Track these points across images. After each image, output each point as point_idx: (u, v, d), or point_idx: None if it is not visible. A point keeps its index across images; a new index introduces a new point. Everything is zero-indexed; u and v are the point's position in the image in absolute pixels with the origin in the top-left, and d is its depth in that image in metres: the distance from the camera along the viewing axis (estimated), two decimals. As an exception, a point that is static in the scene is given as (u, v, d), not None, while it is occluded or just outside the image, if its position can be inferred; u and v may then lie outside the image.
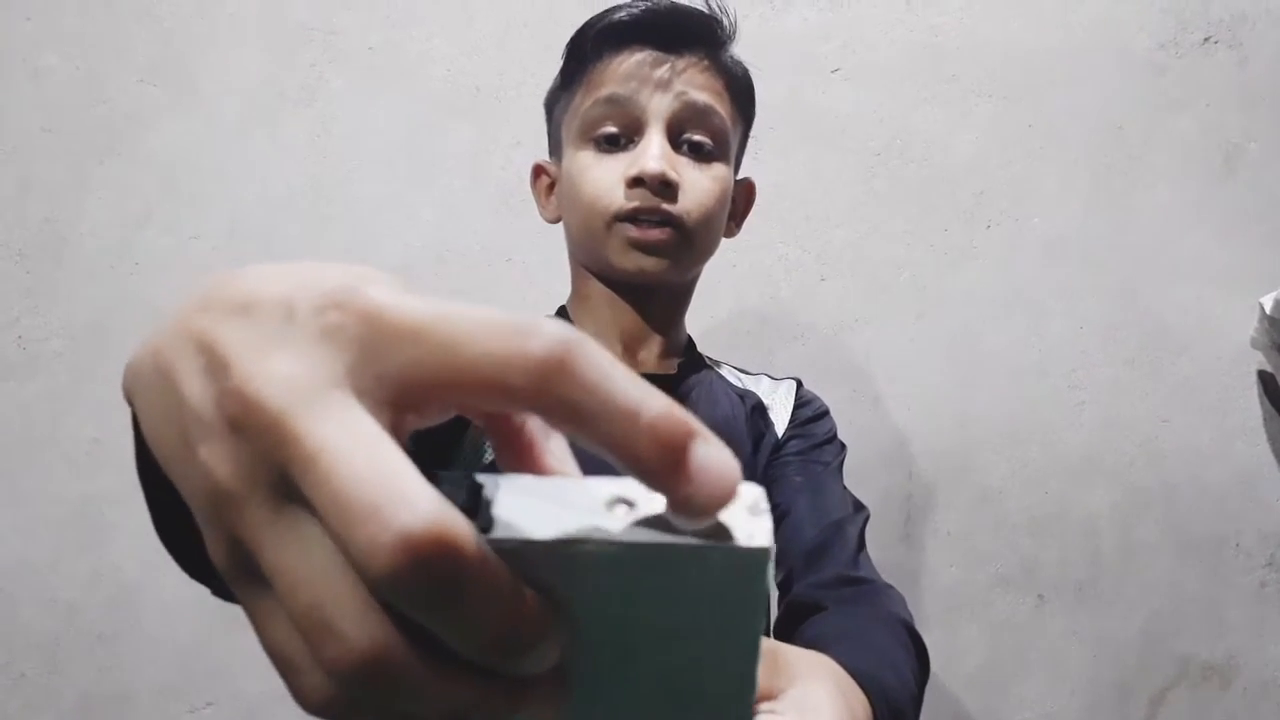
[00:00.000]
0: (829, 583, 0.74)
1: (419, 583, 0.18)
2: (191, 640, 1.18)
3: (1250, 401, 1.30)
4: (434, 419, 0.23)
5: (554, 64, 1.29)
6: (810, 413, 0.90)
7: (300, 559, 0.19)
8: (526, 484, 0.22)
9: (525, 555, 0.20)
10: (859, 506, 0.84)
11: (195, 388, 0.21)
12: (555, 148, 0.90)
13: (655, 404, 0.20)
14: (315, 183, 1.27)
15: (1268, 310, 1.22)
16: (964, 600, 1.25)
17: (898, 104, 1.30)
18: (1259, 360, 1.29)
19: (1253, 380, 1.30)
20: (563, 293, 1.25)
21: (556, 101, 0.89)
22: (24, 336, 1.26)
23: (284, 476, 0.19)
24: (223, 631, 1.18)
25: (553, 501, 0.21)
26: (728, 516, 0.21)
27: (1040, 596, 1.26)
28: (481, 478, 0.22)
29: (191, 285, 0.24)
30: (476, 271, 1.27)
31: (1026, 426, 1.27)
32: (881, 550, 1.14)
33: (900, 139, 1.30)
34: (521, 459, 0.25)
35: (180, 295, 0.24)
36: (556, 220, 0.90)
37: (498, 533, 0.20)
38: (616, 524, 0.21)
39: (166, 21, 1.27)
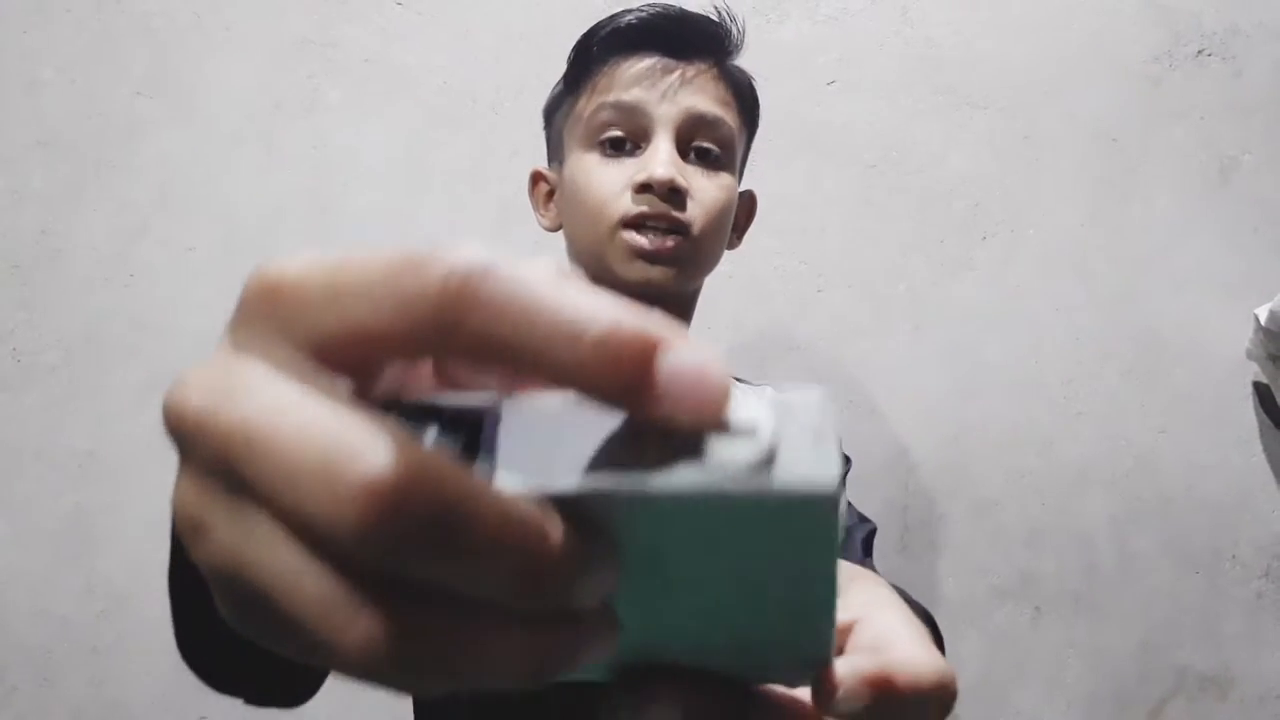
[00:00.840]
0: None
1: (398, 534, 0.15)
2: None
3: (1246, 413, 1.30)
4: (406, 385, 0.20)
5: (551, 75, 1.29)
6: None
7: (282, 558, 0.17)
8: (543, 413, 0.18)
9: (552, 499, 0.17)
10: (863, 519, 0.84)
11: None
12: (555, 154, 0.88)
13: (602, 316, 0.16)
14: (312, 195, 1.27)
15: (1263, 321, 1.22)
16: (961, 611, 1.25)
17: (894, 116, 1.31)
18: (1254, 371, 1.29)
19: (1248, 391, 1.30)
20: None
21: (558, 107, 0.87)
22: (18, 349, 1.26)
23: (234, 480, 0.17)
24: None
25: (572, 433, 0.18)
26: (786, 443, 0.17)
27: (1037, 608, 1.25)
28: (482, 406, 0.19)
29: None
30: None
31: (1023, 437, 1.27)
32: (878, 561, 1.13)
33: (896, 151, 1.30)
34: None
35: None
36: (556, 228, 0.88)
37: (503, 479, 0.17)
38: (646, 462, 0.17)
39: (162, 34, 1.27)
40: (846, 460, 0.88)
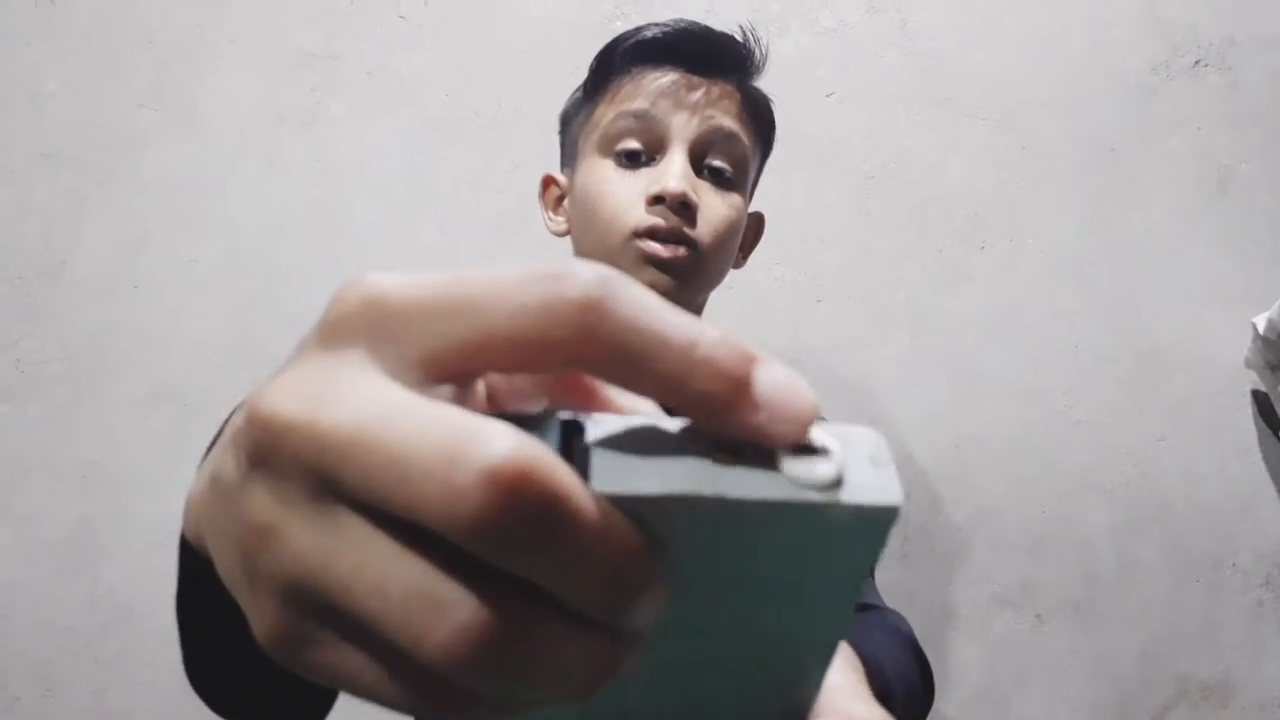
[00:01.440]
0: None
1: (516, 523, 0.16)
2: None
3: (1245, 421, 1.31)
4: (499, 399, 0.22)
5: (552, 89, 1.30)
6: None
7: (374, 555, 0.17)
8: (623, 428, 0.19)
9: (629, 508, 0.18)
10: None
11: (229, 463, 0.20)
12: (568, 160, 0.88)
13: (710, 333, 0.18)
14: (314, 207, 1.28)
15: (1260, 330, 1.23)
16: (962, 620, 1.25)
17: (892, 127, 1.32)
18: (1253, 380, 1.30)
19: (1247, 400, 1.31)
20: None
21: (576, 113, 0.87)
22: (22, 359, 1.26)
23: (324, 482, 0.18)
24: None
25: (653, 447, 0.19)
26: (851, 466, 0.19)
27: (1038, 616, 1.26)
28: (575, 419, 0.20)
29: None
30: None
31: (1023, 446, 1.28)
32: (879, 571, 1.14)
33: (895, 161, 1.31)
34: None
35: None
36: (564, 234, 0.88)
37: (597, 483, 0.18)
38: (727, 474, 0.18)
39: (166, 47, 1.28)
40: None
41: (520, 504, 0.16)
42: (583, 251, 0.85)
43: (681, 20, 0.82)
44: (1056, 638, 1.26)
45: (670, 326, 0.18)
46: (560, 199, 0.89)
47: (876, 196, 1.30)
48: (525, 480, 0.16)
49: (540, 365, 0.18)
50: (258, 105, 1.28)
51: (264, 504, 0.18)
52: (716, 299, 0.89)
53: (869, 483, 0.19)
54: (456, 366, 0.19)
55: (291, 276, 1.27)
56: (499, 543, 0.16)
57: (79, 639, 1.23)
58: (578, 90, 0.88)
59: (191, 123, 1.28)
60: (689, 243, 0.77)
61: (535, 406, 0.22)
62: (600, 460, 0.19)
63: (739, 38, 0.83)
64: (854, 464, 0.19)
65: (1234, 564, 1.27)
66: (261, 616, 0.19)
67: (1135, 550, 1.27)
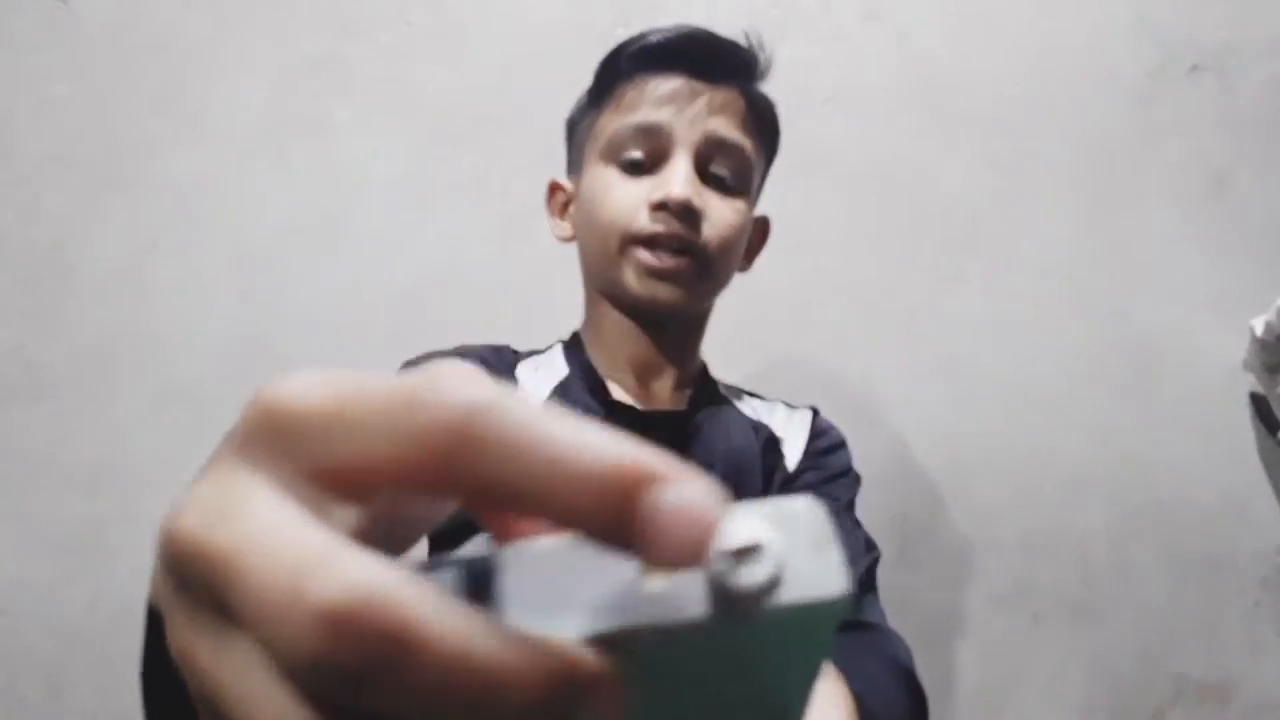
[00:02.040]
0: None
1: (352, 663, 0.15)
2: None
3: (1242, 422, 1.31)
4: (409, 510, 0.20)
5: (556, 94, 1.31)
6: (825, 444, 0.87)
7: (252, 687, 0.17)
8: (545, 556, 0.18)
9: None
10: (870, 545, 0.82)
11: (159, 578, 0.19)
12: (575, 166, 0.89)
13: (590, 452, 0.16)
14: (320, 211, 1.29)
15: (1258, 333, 1.24)
16: (960, 621, 1.26)
17: (889, 132, 1.33)
18: (1250, 382, 1.31)
19: (1244, 402, 1.31)
20: (565, 319, 1.27)
21: (581, 119, 0.88)
22: (30, 362, 1.28)
23: (219, 602, 0.17)
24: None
25: (575, 571, 0.18)
26: (790, 556, 0.18)
27: (1035, 616, 1.26)
28: (491, 554, 0.19)
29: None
30: (479, 297, 1.29)
31: (1019, 448, 1.28)
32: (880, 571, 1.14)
33: (891, 167, 1.32)
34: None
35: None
36: (569, 240, 0.89)
37: (513, 619, 0.17)
38: (655, 595, 0.17)
39: (175, 53, 1.30)
40: (857, 481, 0.88)
41: (353, 644, 0.15)
42: (587, 258, 0.86)
43: (685, 25, 0.82)
44: (1054, 638, 1.26)
45: (545, 451, 0.16)
46: (566, 205, 0.90)
47: (873, 201, 1.32)
48: (358, 619, 0.15)
49: (424, 489, 0.17)
50: (265, 111, 1.30)
51: (179, 624, 0.18)
52: (716, 304, 0.90)
53: (810, 574, 0.18)
54: (352, 482, 0.18)
55: (298, 280, 1.28)
56: (337, 680, 0.15)
57: (85, 639, 1.24)
58: (583, 96, 0.89)
59: (200, 128, 1.29)
60: (692, 250, 0.78)
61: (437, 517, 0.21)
62: (517, 597, 0.18)
63: (742, 43, 0.84)
64: (794, 552, 0.18)
65: (1231, 564, 1.28)
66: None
67: (1132, 551, 1.28)
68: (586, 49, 1.31)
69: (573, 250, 1.28)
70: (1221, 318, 1.31)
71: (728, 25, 1.25)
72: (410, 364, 0.78)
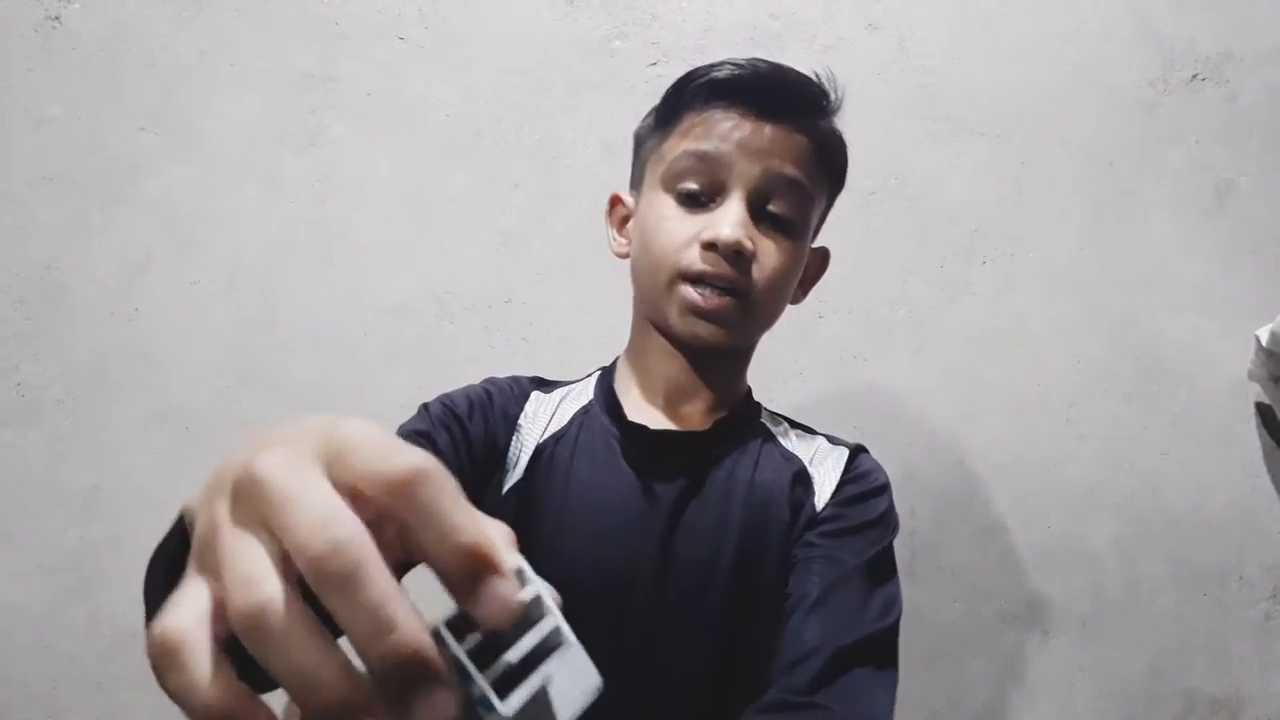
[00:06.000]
0: (772, 705, 0.71)
1: (331, 570, 0.25)
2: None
3: (1249, 433, 1.30)
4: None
5: (551, 107, 1.31)
6: (856, 490, 0.84)
7: (249, 557, 0.27)
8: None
9: None
10: (883, 610, 0.77)
11: (226, 484, 0.29)
12: (637, 182, 0.88)
13: (469, 535, 0.27)
14: (315, 227, 1.28)
15: (1264, 342, 1.23)
16: (969, 636, 1.25)
17: (892, 143, 1.32)
18: (1256, 392, 1.30)
19: (1251, 412, 1.30)
20: (564, 335, 1.26)
21: (648, 138, 0.87)
22: (23, 384, 1.26)
23: (261, 514, 0.27)
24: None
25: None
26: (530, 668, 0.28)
27: (1045, 632, 1.25)
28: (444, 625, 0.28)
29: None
30: (476, 313, 1.27)
31: (1026, 460, 1.27)
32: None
33: (895, 178, 1.31)
34: None
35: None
36: (625, 256, 0.89)
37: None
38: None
39: (167, 70, 1.28)
40: (893, 528, 0.84)
41: (336, 561, 0.26)
42: (638, 279, 0.86)
43: (757, 61, 0.82)
44: (1064, 653, 1.25)
45: (447, 515, 0.27)
46: (626, 219, 0.90)
47: (878, 212, 1.31)
48: (343, 553, 0.26)
49: (389, 503, 0.28)
50: (258, 127, 1.29)
51: (217, 513, 0.29)
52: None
53: (513, 690, 0.28)
54: (351, 492, 0.28)
55: (292, 297, 1.27)
56: (319, 577, 0.26)
57: (80, 664, 1.23)
58: (650, 114, 0.88)
59: (192, 145, 1.28)
60: (738, 291, 0.78)
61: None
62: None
63: (813, 80, 0.83)
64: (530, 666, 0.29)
65: (1240, 577, 1.27)
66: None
67: (1141, 565, 1.26)
68: (582, 61, 1.31)
69: (573, 265, 1.28)
70: (1227, 327, 1.30)
71: (728, 38, 1.24)
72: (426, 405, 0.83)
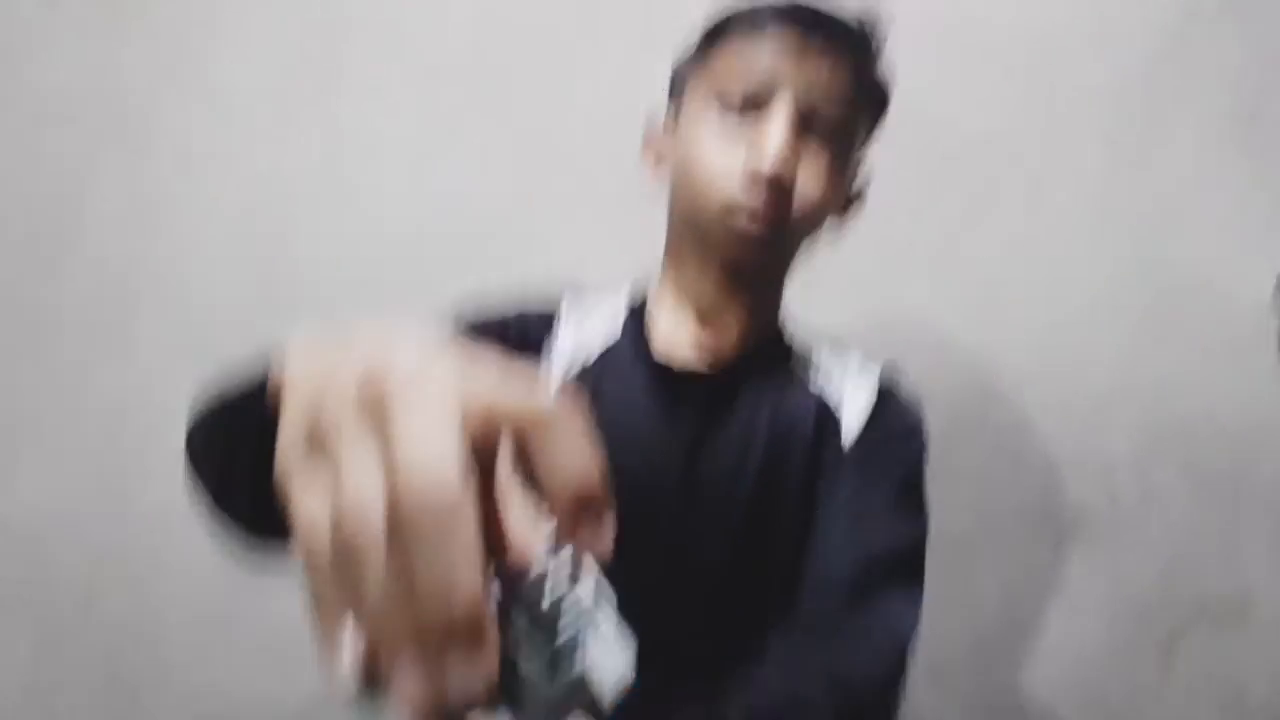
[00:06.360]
0: (799, 625, 0.74)
1: (422, 525, 0.24)
2: (221, 581, 1.21)
3: (1268, 350, 1.29)
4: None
5: (570, 49, 1.30)
6: (883, 425, 0.85)
7: (362, 470, 0.26)
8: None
9: None
10: (910, 534, 0.81)
11: (349, 378, 0.28)
12: (675, 113, 0.88)
13: (592, 474, 0.28)
14: (329, 162, 1.29)
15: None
16: (981, 543, 1.26)
17: (913, 64, 1.27)
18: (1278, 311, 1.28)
19: (1271, 334, 1.28)
20: (584, 257, 1.25)
21: (688, 72, 0.87)
22: (46, 303, 1.28)
23: (376, 414, 0.26)
24: (253, 573, 1.21)
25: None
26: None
27: (1058, 538, 1.27)
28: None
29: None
30: (493, 238, 1.28)
31: (1043, 374, 1.27)
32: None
33: (916, 98, 1.27)
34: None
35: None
36: (660, 177, 0.88)
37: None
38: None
39: (179, 3, 1.28)
40: (922, 449, 0.87)
41: (429, 518, 0.24)
42: (676, 202, 0.85)
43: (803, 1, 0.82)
44: (1076, 559, 1.27)
45: (564, 457, 0.28)
46: (664, 140, 0.89)
47: (898, 133, 1.27)
48: (442, 511, 0.24)
49: (520, 433, 0.28)
50: (271, 61, 1.28)
51: (343, 400, 0.27)
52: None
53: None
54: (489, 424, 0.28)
55: (309, 221, 1.29)
56: (412, 525, 0.24)
57: (114, 559, 1.27)
58: (690, 46, 0.88)
59: (204, 80, 1.28)
60: (779, 218, 0.78)
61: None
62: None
63: (859, 17, 0.84)
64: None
65: (1255, 484, 1.27)
66: (285, 438, 0.29)
67: (1156, 473, 1.27)
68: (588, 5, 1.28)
69: (591, 189, 1.26)
70: (1252, 247, 1.28)
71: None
72: (462, 319, 0.84)
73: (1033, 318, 1.28)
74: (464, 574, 0.24)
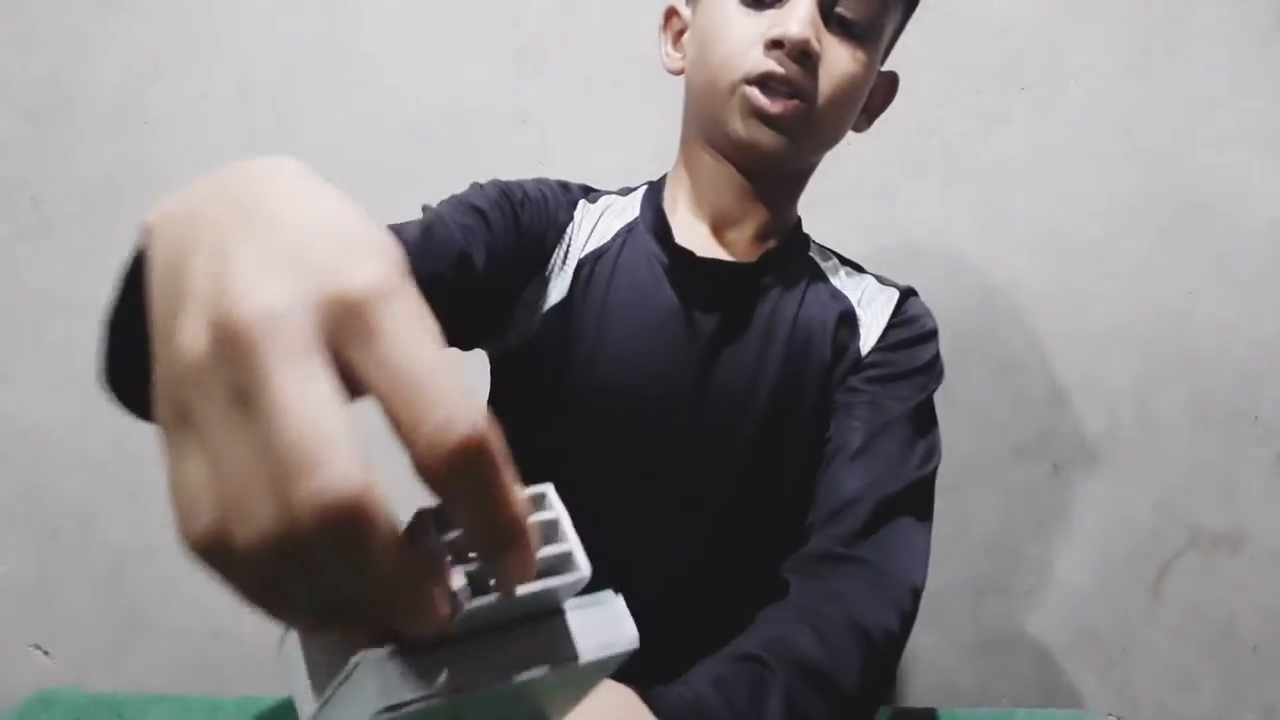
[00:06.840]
0: (815, 556, 0.71)
1: (325, 533, 0.21)
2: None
3: (1280, 275, 1.27)
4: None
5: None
6: (903, 335, 0.83)
7: (232, 448, 0.22)
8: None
9: None
10: (925, 459, 0.78)
11: (201, 281, 0.24)
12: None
13: (514, 512, 0.24)
14: (326, 40, 1.23)
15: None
16: (980, 469, 1.26)
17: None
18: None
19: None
20: (584, 153, 1.22)
21: None
22: (36, 197, 1.25)
23: (239, 390, 0.22)
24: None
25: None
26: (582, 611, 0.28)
27: (1055, 466, 1.26)
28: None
29: (237, 172, 0.31)
30: (491, 133, 1.24)
31: (1051, 298, 1.25)
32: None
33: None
34: None
35: (217, 176, 0.31)
36: (678, 72, 0.84)
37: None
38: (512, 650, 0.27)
39: None
40: (938, 376, 0.84)
41: (337, 526, 0.21)
42: (693, 93, 0.81)
43: None
44: (1072, 487, 1.27)
45: (416, 368, 0.23)
46: (681, 33, 0.85)
47: (914, 32, 1.23)
48: (349, 514, 0.21)
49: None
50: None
51: (199, 355, 0.23)
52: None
53: (597, 629, 0.28)
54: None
55: (304, 113, 1.24)
56: (315, 543, 0.22)
57: (112, 473, 1.27)
58: None
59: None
60: (803, 95, 0.73)
61: None
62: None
63: None
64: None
65: (1256, 418, 1.26)
66: (158, 384, 0.25)
67: (1157, 403, 1.26)
68: None
69: (591, 85, 1.23)
70: (1274, 165, 1.24)
71: None
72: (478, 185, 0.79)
73: (1046, 234, 1.24)
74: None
